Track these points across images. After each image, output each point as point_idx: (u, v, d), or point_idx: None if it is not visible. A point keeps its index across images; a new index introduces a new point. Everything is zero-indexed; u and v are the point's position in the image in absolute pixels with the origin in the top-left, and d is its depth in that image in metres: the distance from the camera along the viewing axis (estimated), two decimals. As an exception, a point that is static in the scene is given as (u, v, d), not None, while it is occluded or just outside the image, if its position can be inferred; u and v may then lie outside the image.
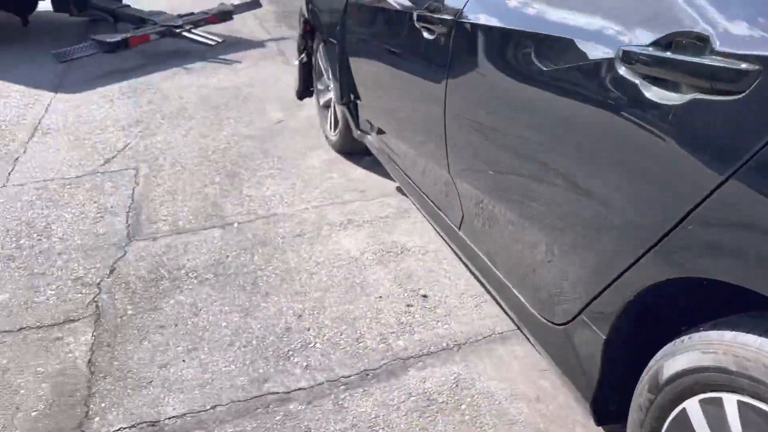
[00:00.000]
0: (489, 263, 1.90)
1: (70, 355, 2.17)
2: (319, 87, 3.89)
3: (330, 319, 2.25)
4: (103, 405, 1.94)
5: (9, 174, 3.66)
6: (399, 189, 3.23)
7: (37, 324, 2.34)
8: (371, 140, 3.07)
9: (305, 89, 4.12)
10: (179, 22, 5.73)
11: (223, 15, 5.98)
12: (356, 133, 3.23)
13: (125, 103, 4.80)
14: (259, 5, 6.67)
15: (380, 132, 2.90)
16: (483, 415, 1.80)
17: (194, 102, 4.77)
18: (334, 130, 3.69)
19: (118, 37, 5.40)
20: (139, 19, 6.21)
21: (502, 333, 2.14)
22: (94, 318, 2.36)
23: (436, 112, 2.01)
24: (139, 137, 4.12)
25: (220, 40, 5.77)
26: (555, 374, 1.59)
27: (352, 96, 3.16)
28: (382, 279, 2.46)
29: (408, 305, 2.30)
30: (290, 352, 2.11)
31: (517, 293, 1.70)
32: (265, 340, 2.17)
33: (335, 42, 3.12)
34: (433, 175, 2.24)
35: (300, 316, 2.29)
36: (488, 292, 2.29)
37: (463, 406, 1.83)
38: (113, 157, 3.83)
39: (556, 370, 1.54)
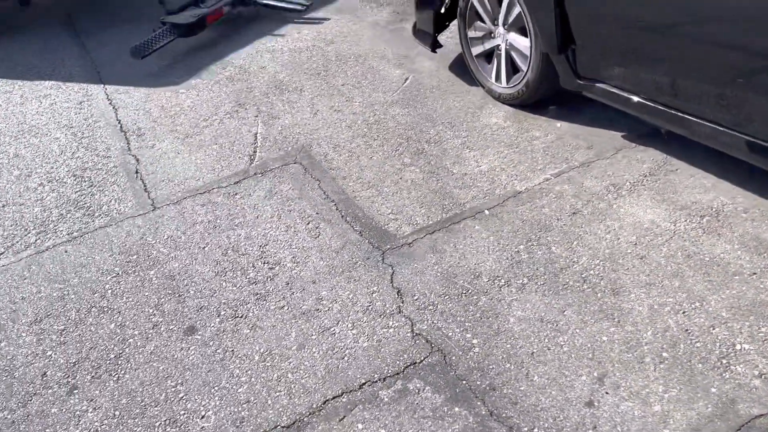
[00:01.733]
0: None
1: (467, 409, 1.82)
2: (472, 35, 3.44)
3: (725, 310, 1.97)
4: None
5: (147, 192, 3.11)
6: (625, 137, 2.90)
7: (375, 377, 1.96)
8: (605, 89, 2.71)
9: (436, 39, 3.68)
10: None
11: None
12: (574, 83, 2.85)
13: (201, 84, 4.18)
14: None
15: (635, 82, 2.55)
16: None
17: (283, 71, 4.19)
18: (507, 81, 3.28)
19: (194, 16, 4.59)
20: None
21: None
22: (440, 357, 1.99)
23: None
24: (261, 124, 3.58)
25: (308, 3, 5.01)
26: None
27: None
28: (729, 250, 2.18)
29: (795, 277, 2.02)
30: (722, 361, 1.82)
31: None
32: (675, 350, 1.87)
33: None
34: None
35: (684, 312, 1.99)
36: None
37: None
38: (255, 153, 3.32)
39: None
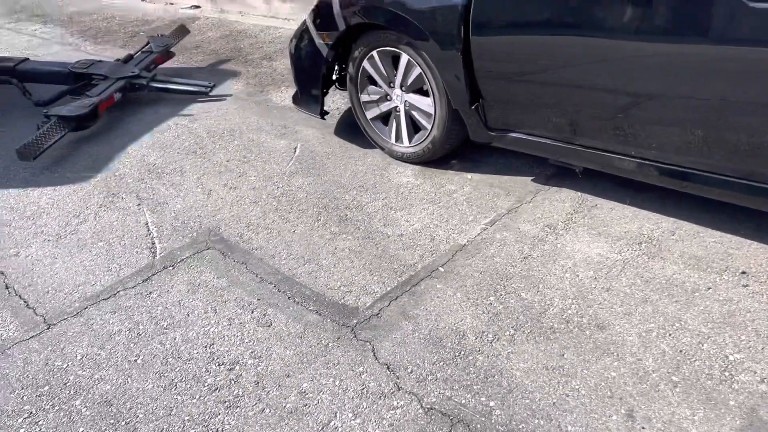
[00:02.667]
0: None
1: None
2: (365, 99, 3.46)
3: (703, 326, 2.11)
4: None
5: (31, 308, 2.62)
6: (535, 180, 3.07)
7: None
8: (517, 137, 2.86)
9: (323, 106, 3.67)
10: (134, 71, 4.45)
11: (168, 53, 4.85)
12: (486, 135, 2.97)
13: (53, 178, 3.69)
14: (188, 31, 5.52)
15: (548, 128, 2.72)
16: None
17: (151, 153, 3.86)
18: (410, 141, 3.34)
19: (85, 106, 3.99)
20: (66, 75, 4.41)
21: None
22: (464, 428, 1.87)
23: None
24: (149, 212, 3.24)
25: (210, 84, 4.66)
26: None
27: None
28: (678, 270, 2.36)
29: (744, 285, 2.25)
30: (725, 374, 1.93)
31: None
32: (680, 372, 1.95)
33: (443, 42, 2.79)
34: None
35: (670, 334, 2.10)
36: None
37: None
38: (154, 244, 2.97)
39: None
